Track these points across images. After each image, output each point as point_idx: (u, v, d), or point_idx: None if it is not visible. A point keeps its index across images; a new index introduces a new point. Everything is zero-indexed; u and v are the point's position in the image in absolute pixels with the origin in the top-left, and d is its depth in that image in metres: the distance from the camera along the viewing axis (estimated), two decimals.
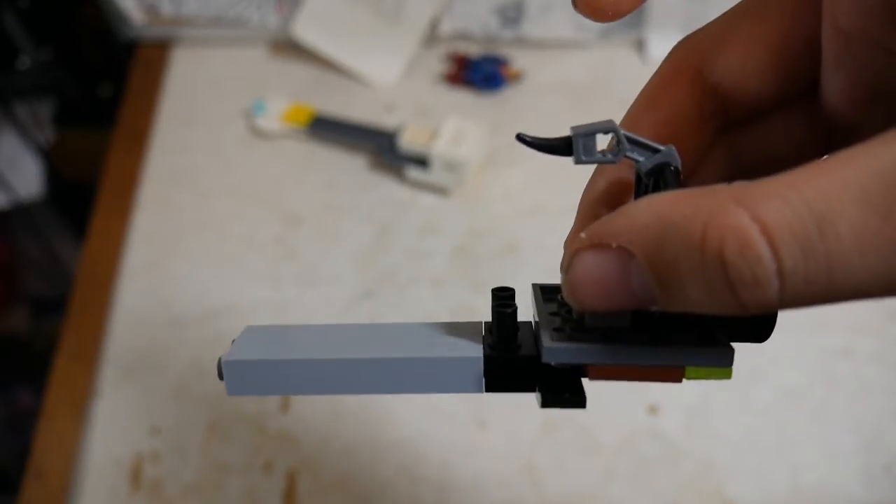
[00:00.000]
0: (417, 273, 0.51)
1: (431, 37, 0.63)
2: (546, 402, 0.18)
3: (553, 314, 0.19)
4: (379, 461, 0.44)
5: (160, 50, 0.64)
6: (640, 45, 0.65)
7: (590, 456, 0.44)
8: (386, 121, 0.59)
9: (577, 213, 0.20)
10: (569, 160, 0.17)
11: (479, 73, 0.61)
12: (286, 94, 0.60)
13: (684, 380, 0.18)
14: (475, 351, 0.19)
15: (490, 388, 0.19)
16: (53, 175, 0.74)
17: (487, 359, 0.18)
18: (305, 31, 0.61)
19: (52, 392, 0.46)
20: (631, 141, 0.17)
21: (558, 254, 0.54)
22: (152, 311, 0.49)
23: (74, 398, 0.46)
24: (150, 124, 0.60)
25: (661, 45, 0.64)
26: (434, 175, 0.54)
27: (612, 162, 0.17)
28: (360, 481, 0.43)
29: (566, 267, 0.16)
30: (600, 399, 0.46)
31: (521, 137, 0.17)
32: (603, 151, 0.17)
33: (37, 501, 0.43)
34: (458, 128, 0.54)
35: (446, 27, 0.62)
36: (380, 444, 0.44)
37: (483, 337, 0.20)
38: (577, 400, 0.19)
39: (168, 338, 0.48)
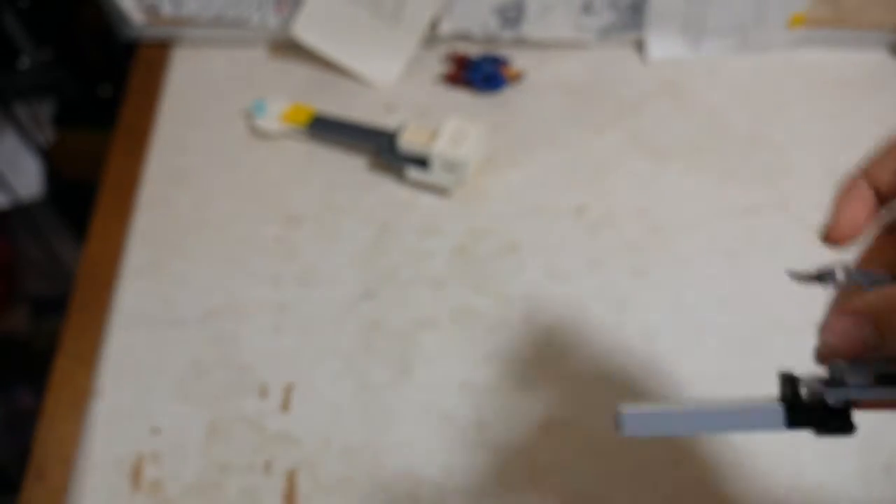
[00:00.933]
0: (417, 273, 0.51)
1: (431, 37, 0.63)
2: (822, 431, 0.27)
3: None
4: (379, 461, 0.44)
5: (160, 50, 0.64)
6: (639, 46, 0.65)
7: (589, 456, 0.44)
8: (386, 121, 0.59)
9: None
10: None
11: (478, 73, 0.60)
12: (286, 95, 0.60)
13: None
14: (778, 406, 0.27)
15: (790, 425, 0.27)
16: (54, 175, 0.74)
17: (789, 405, 0.27)
18: (305, 31, 0.61)
19: (52, 392, 0.46)
20: (857, 272, 0.26)
21: (558, 254, 0.55)
22: (152, 311, 0.50)
23: (75, 398, 0.46)
24: (151, 124, 0.60)
25: (660, 46, 0.64)
26: (434, 175, 0.54)
27: (847, 288, 0.26)
28: (360, 481, 0.43)
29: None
30: (600, 398, 0.46)
31: (790, 273, 0.28)
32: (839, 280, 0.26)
33: (37, 501, 0.43)
34: (458, 128, 0.54)
35: (446, 28, 0.62)
36: (380, 445, 0.44)
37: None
38: (848, 427, 0.27)
39: (168, 338, 0.48)
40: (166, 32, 0.64)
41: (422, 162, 0.54)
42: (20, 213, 0.71)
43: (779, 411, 0.27)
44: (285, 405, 0.46)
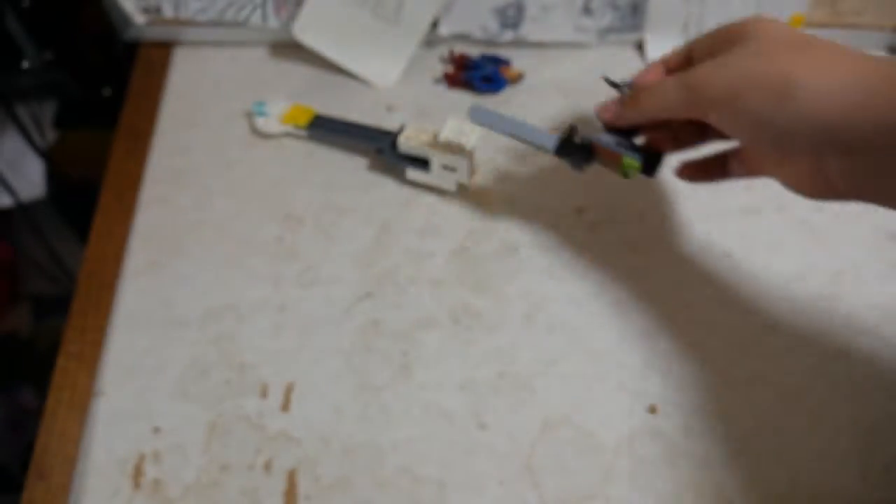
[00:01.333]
0: (417, 273, 0.51)
1: (431, 37, 0.63)
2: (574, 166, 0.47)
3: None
4: (379, 461, 0.44)
5: (161, 50, 0.64)
6: (639, 47, 0.65)
7: (589, 456, 0.44)
8: (387, 121, 0.59)
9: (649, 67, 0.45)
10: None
11: (478, 73, 0.61)
12: (287, 95, 0.60)
13: (625, 172, 0.45)
14: (556, 137, 0.47)
15: (556, 152, 0.47)
16: (55, 176, 0.74)
17: (562, 140, 0.47)
18: (306, 32, 0.61)
19: (54, 392, 0.47)
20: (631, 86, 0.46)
21: (558, 254, 0.55)
22: (153, 311, 0.50)
23: (76, 398, 0.46)
24: (152, 125, 0.60)
25: (660, 46, 0.64)
26: (434, 176, 0.54)
27: (625, 92, 0.46)
28: (360, 481, 0.43)
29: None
30: (600, 398, 0.46)
31: (604, 77, 0.47)
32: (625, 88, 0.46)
33: (39, 501, 0.43)
34: (458, 128, 0.54)
35: (446, 29, 0.63)
36: (380, 444, 0.44)
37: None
38: (587, 160, 0.47)
39: (169, 338, 0.49)
40: (167, 33, 0.64)
41: (422, 162, 0.54)
42: (22, 213, 0.71)
43: (555, 139, 0.46)
44: (285, 405, 0.46)
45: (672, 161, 0.47)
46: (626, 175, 0.45)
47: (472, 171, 0.55)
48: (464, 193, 0.56)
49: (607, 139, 0.45)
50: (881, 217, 0.55)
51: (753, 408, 0.46)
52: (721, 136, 0.42)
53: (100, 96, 0.72)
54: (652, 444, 0.45)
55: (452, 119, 0.54)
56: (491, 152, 0.58)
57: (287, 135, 0.59)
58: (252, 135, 0.59)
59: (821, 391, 0.47)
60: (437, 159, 0.53)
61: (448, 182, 0.54)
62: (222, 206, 0.55)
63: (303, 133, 0.58)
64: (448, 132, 0.53)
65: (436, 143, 0.53)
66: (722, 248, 0.53)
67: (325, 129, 0.58)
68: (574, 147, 0.46)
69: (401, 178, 0.56)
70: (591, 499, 0.43)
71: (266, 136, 0.59)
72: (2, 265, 0.94)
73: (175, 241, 0.53)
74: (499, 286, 0.51)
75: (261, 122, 0.58)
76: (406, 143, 0.54)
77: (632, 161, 0.44)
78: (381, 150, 0.55)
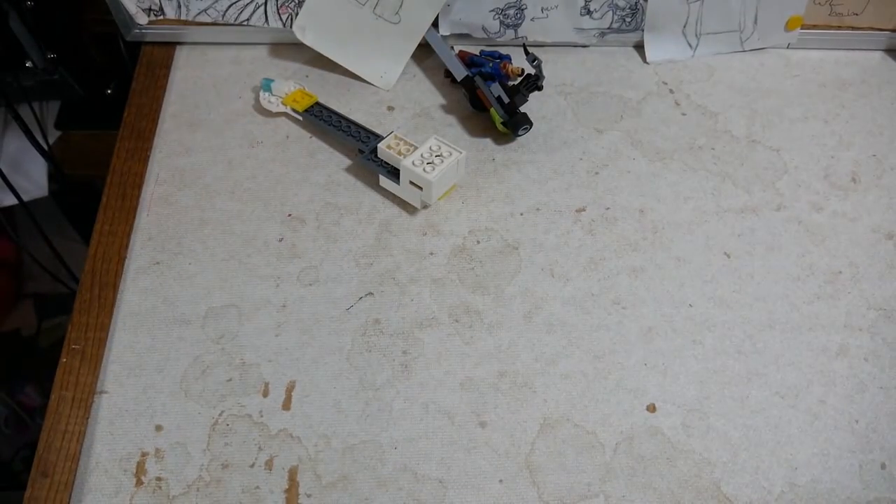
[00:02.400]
0: (418, 272, 0.52)
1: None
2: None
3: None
4: (380, 459, 0.44)
5: (164, 50, 0.65)
6: (638, 47, 0.65)
7: (588, 454, 0.44)
8: (387, 121, 0.60)
9: None
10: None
11: (480, 71, 0.61)
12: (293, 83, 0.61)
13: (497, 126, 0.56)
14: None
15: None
16: (59, 175, 0.75)
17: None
18: (305, 32, 0.61)
19: (56, 389, 0.47)
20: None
21: (558, 253, 0.55)
22: (156, 309, 0.50)
23: (79, 396, 0.47)
24: (154, 125, 0.60)
25: (659, 47, 0.64)
26: (402, 189, 0.54)
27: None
28: (361, 479, 0.44)
29: None
30: (599, 397, 0.46)
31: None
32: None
33: (42, 498, 0.43)
34: (436, 149, 0.53)
35: (446, 29, 0.63)
36: (381, 443, 0.45)
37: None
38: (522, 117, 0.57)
39: (171, 336, 0.49)
40: (169, 33, 0.64)
41: (396, 173, 0.54)
42: (26, 212, 0.72)
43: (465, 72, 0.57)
44: (286, 403, 0.46)
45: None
46: (497, 126, 0.54)
47: (437, 194, 0.54)
48: (464, 193, 0.56)
49: (495, 89, 0.54)
50: (879, 218, 0.55)
51: (752, 407, 0.46)
52: None
53: (103, 96, 0.72)
54: (651, 442, 0.45)
55: (435, 138, 0.54)
56: (491, 151, 0.58)
57: (284, 114, 0.60)
58: (253, 134, 0.60)
59: (819, 390, 0.47)
60: (405, 173, 0.53)
61: (413, 198, 0.54)
62: (224, 205, 0.55)
63: (298, 117, 0.59)
64: (425, 150, 0.53)
65: (409, 158, 0.52)
66: (722, 248, 0.53)
67: (318, 118, 0.58)
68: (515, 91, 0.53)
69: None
70: (591, 497, 0.43)
71: (265, 112, 0.60)
72: (5, 264, 0.94)
73: (177, 240, 0.53)
74: (499, 286, 0.51)
75: (264, 98, 0.59)
76: (385, 150, 0.54)
77: (498, 115, 0.54)
78: (362, 151, 0.55)
